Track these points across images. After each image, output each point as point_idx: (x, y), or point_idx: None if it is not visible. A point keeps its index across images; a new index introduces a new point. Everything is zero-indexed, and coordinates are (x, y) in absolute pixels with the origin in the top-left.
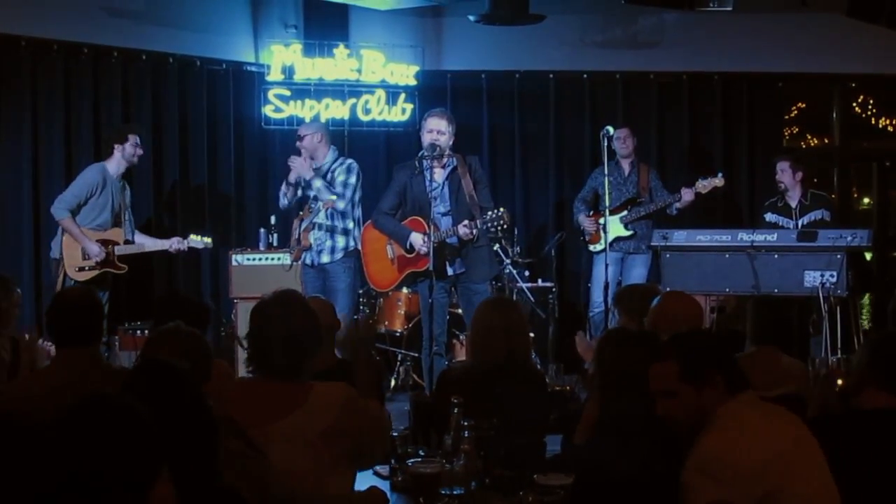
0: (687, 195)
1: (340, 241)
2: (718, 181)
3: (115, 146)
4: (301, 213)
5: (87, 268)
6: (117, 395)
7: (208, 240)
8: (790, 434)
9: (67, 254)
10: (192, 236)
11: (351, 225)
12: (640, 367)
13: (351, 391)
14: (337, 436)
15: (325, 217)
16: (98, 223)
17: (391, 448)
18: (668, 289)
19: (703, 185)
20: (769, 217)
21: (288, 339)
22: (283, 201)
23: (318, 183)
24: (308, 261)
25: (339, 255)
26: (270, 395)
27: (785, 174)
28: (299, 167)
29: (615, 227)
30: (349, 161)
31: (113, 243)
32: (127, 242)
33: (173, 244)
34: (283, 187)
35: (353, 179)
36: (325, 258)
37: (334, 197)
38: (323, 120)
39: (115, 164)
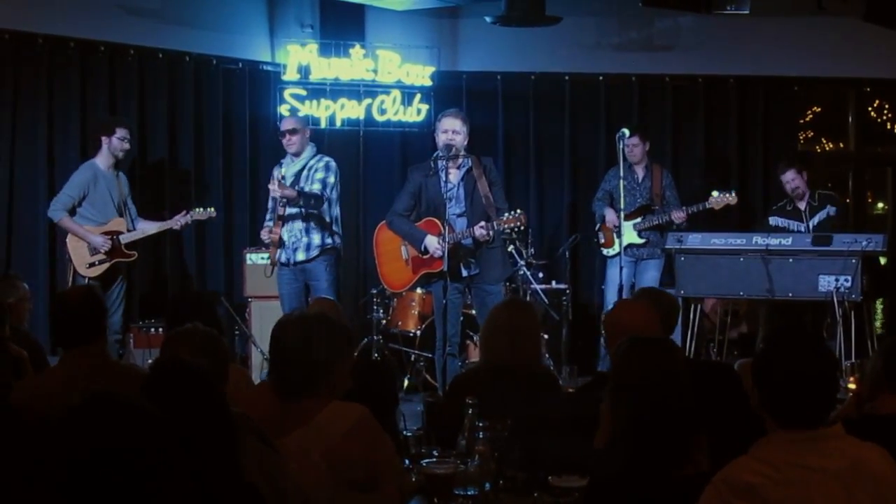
0: (678, 217)
1: (316, 237)
2: (732, 199)
3: (102, 138)
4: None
5: (96, 262)
6: (120, 391)
7: (212, 210)
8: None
9: (74, 253)
10: (196, 209)
11: (328, 220)
12: (651, 372)
13: (365, 415)
14: (340, 459)
15: (299, 210)
16: (101, 220)
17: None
18: (682, 292)
19: (717, 201)
20: (773, 220)
21: (307, 360)
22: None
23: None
24: (283, 259)
25: (314, 252)
26: (284, 408)
27: (797, 180)
28: (288, 193)
29: (629, 233)
30: (328, 159)
31: (116, 233)
32: (130, 231)
33: (178, 220)
34: (270, 224)
35: (332, 179)
36: (301, 255)
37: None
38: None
39: (104, 157)
